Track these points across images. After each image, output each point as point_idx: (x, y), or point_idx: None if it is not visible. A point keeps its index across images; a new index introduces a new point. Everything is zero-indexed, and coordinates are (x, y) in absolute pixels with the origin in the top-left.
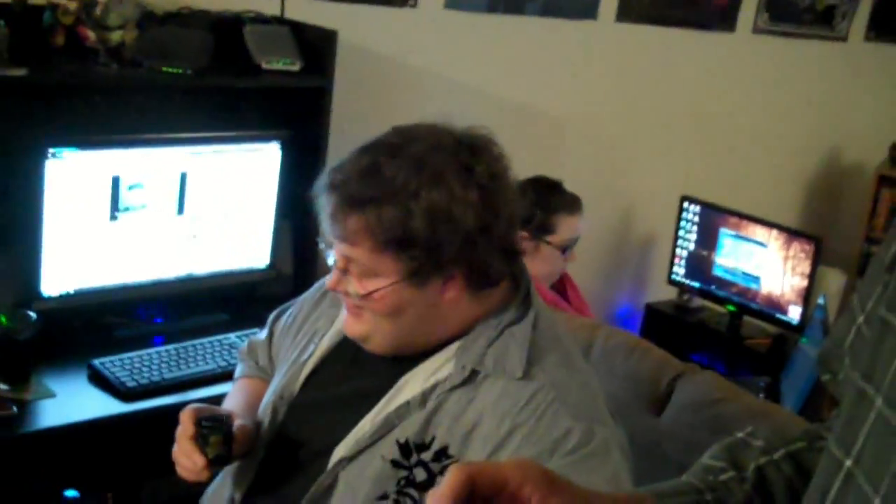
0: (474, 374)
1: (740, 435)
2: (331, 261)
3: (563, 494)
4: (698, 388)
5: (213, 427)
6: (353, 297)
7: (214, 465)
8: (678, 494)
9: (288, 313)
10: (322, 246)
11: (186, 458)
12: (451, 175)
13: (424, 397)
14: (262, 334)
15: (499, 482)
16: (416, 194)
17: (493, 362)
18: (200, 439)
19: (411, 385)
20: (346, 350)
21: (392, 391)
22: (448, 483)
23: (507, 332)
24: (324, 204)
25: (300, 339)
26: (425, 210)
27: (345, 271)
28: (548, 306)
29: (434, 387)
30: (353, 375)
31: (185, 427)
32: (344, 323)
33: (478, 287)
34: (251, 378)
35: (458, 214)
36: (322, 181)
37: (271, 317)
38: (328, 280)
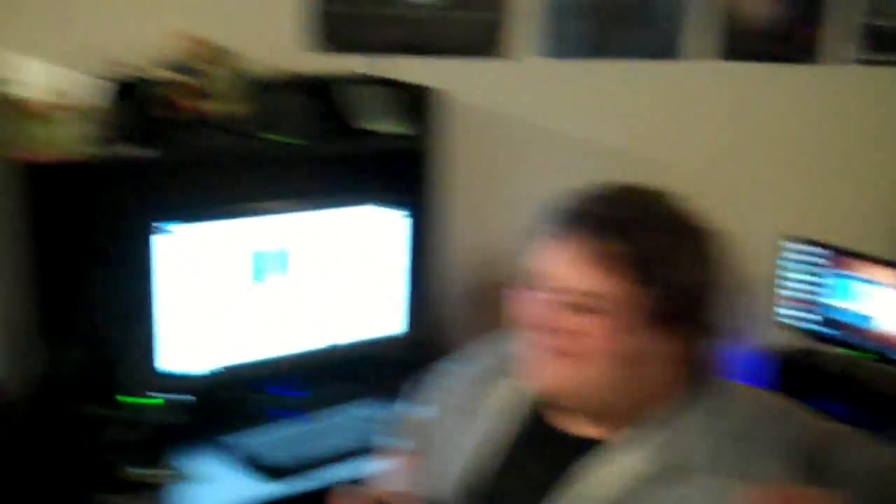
0: (676, 468)
1: None
2: (536, 303)
3: None
4: (856, 456)
5: None
6: (569, 333)
7: None
8: None
9: (446, 387)
10: (510, 291)
11: None
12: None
13: (620, 494)
14: (419, 410)
15: None
16: (667, 228)
17: (707, 457)
18: None
19: (600, 477)
20: (517, 431)
21: (579, 485)
22: None
23: (714, 419)
24: (553, 232)
25: (465, 418)
26: (671, 247)
27: (561, 306)
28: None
29: (631, 481)
30: (527, 461)
31: None
32: (532, 374)
33: (689, 357)
34: (412, 455)
35: (689, 264)
36: (557, 208)
37: (425, 390)
38: (536, 318)
